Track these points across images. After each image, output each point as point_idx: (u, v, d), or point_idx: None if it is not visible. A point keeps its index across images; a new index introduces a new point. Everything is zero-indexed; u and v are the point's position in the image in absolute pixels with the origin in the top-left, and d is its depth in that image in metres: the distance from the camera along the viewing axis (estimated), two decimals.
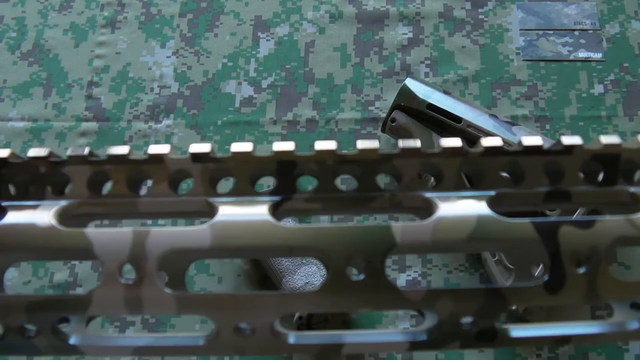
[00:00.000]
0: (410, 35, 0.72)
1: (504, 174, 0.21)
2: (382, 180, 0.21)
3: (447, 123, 0.60)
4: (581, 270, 0.19)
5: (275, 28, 0.74)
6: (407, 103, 0.60)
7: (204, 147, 0.20)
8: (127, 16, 0.75)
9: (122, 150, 0.21)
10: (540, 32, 0.71)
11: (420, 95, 0.60)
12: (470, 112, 0.60)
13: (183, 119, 0.69)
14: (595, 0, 0.72)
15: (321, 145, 0.21)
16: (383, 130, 0.63)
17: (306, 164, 0.21)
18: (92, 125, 0.69)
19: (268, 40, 0.73)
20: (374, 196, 0.21)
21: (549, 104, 0.67)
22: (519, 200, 0.21)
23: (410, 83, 0.61)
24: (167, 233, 0.19)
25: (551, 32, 0.71)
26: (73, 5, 0.77)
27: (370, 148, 0.21)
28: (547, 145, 0.20)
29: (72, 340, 0.20)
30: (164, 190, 0.21)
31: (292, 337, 0.19)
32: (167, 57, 0.73)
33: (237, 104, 0.70)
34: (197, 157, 0.20)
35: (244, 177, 0.21)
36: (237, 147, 0.21)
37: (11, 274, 0.62)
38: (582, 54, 0.69)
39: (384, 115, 0.65)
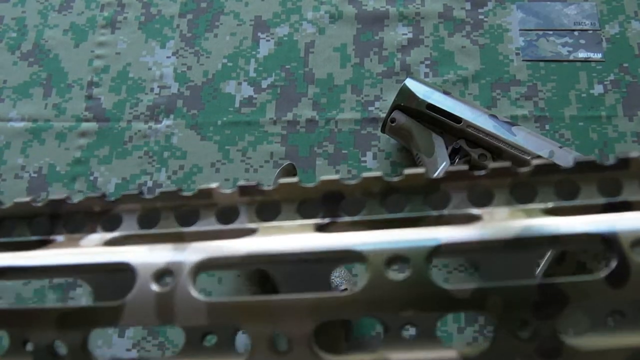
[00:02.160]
0: (410, 35, 0.72)
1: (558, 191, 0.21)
2: (431, 202, 0.21)
3: (447, 123, 0.60)
4: None
5: (275, 28, 0.74)
6: (407, 103, 0.60)
7: (250, 183, 0.21)
8: (127, 16, 0.75)
9: (172, 188, 0.21)
10: (540, 33, 0.71)
11: (420, 96, 0.60)
12: (470, 112, 0.60)
13: (183, 119, 0.69)
14: (595, 1, 0.72)
15: (368, 174, 0.21)
16: (383, 131, 0.63)
17: (352, 193, 0.21)
18: (92, 125, 0.69)
19: (268, 40, 0.73)
20: (422, 217, 0.20)
21: (548, 104, 0.67)
22: (576, 212, 0.20)
23: (410, 83, 0.61)
24: (206, 243, 0.19)
25: (551, 32, 0.71)
26: (73, 5, 0.77)
27: (416, 174, 0.20)
28: (582, 158, 0.20)
29: None
30: (212, 223, 0.21)
31: (327, 356, 0.18)
32: (167, 57, 0.73)
33: (237, 104, 0.70)
34: (244, 191, 0.21)
35: (291, 208, 0.21)
36: (284, 180, 0.21)
37: None
38: (581, 54, 0.69)
39: (383, 115, 0.65)
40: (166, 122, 0.69)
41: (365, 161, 0.66)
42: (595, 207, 0.20)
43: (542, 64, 0.69)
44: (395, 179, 0.21)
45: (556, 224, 0.19)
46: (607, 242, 0.18)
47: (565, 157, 0.58)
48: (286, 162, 0.63)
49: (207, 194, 0.21)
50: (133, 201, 0.21)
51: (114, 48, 0.74)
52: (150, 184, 0.66)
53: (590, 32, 0.71)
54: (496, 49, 0.71)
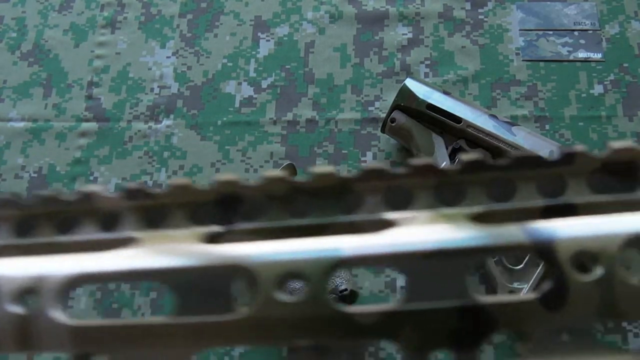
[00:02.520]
0: (410, 35, 0.72)
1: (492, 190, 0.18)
2: (343, 206, 0.18)
3: (447, 123, 0.60)
4: (588, 278, 0.15)
5: (275, 28, 0.74)
6: (407, 103, 0.60)
7: (137, 185, 0.18)
8: (127, 16, 0.75)
9: (50, 192, 0.19)
10: (540, 33, 0.71)
11: (420, 96, 0.60)
12: (470, 112, 0.60)
13: (183, 119, 0.69)
14: (595, 1, 0.72)
15: (270, 173, 0.18)
16: (383, 131, 0.63)
17: (252, 197, 0.18)
18: (92, 125, 0.69)
19: (268, 40, 0.73)
20: (329, 224, 0.18)
21: (548, 104, 0.67)
22: (510, 216, 0.17)
23: (410, 83, 0.61)
24: (78, 256, 0.17)
25: (551, 32, 0.71)
26: (73, 5, 0.77)
27: (326, 173, 0.18)
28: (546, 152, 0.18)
29: None
30: (92, 231, 0.18)
31: None
32: (167, 57, 0.73)
33: (237, 104, 0.70)
34: (130, 195, 0.18)
35: (183, 213, 0.18)
36: (175, 181, 0.18)
37: None
38: (581, 54, 0.69)
39: (383, 115, 0.65)
40: (166, 122, 0.69)
41: (365, 161, 0.66)
42: (533, 211, 0.17)
43: (542, 64, 0.69)
44: (302, 179, 0.18)
45: (482, 232, 0.16)
46: (543, 254, 0.16)
47: None
48: (286, 162, 0.63)
49: (88, 197, 0.18)
50: (9, 206, 0.19)
51: (114, 48, 0.74)
52: (150, 184, 0.66)
53: (590, 32, 0.71)
54: (496, 49, 0.71)
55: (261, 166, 0.66)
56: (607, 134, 0.65)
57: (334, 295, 0.54)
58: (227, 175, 0.18)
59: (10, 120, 0.70)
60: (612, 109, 0.67)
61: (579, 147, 0.17)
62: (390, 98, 0.64)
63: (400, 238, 0.16)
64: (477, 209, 0.17)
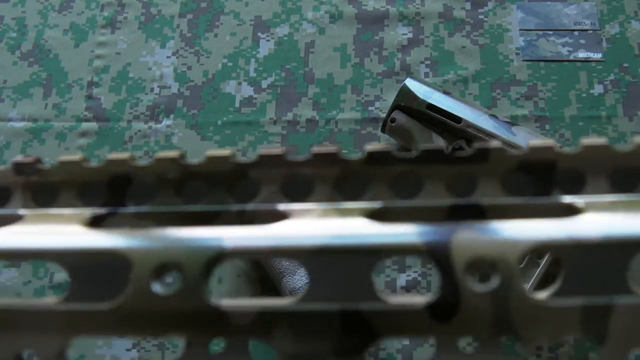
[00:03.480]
0: (410, 35, 0.72)
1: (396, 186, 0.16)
2: (237, 193, 0.17)
3: (447, 123, 0.60)
4: (482, 288, 0.14)
5: (275, 28, 0.74)
6: (407, 103, 0.60)
7: (27, 158, 0.17)
8: (127, 16, 0.75)
9: None
10: (540, 32, 0.71)
11: (420, 96, 0.60)
12: (470, 112, 0.60)
13: (183, 119, 0.69)
14: (595, 1, 0.72)
15: (162, 154, 0.17)
16: (383, 131, 0.63)
17: (142, 179, 0.17)
18: (92, 125, 0.69)
19: (268, 40, 0.73)
20: (219, 211, 0.17)
21: (548, 104, 0.67)
22: (412, 215, 0.16)
23: (410, 83, 0.61)
24: None
25: (551, 32, 0.71)
26: (73, 5, 0.77)
27: (220, 156, 0.17)
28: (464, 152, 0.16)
29: None
30: None
31: None
32: (167, 57, 0.73)
33: (237, 104, 0.70)
34: (19, 169, 0.17)
35: (71, 192, 0.17)
36: (65, 157, 0.17)
37: (11, 274, 0.62)
38: (582, 54, 0.69)
39: (384, 115, 0.65)
40: (166, 122, 0.69)
41: None
42: (437, 210, 0.16)
43: (542, 64, 0.69)
44: (195, 162, 0.17)
45: (372, 231, 0.15)
46: (436, 259, 0.14)
47: None
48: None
49: None
50: None
51: (114, 48, 0.74)
52: None
53: (591, 32, 0.71)
54: (496, 49, 0.71)
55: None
56: (607, 134, 0.65)
57: None
58: (119, 154, 0.17)
59: (10, 120, 0.70)
60: (612, 109, 0.67)
61: (494, 143, 0.16)
62: (390, 98, 0.64)
63: (287, 231, 0.15)
64: (375, 204, 0.16)
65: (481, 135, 0.59)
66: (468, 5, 0.73)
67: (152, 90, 0.71)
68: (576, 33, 0.71)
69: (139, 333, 0.15)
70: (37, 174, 0.17)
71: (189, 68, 0.72)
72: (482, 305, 0.14)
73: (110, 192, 0.17)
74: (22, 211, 0.17)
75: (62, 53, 0.74)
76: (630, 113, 0.66)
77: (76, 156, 0.17)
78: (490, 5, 0.73)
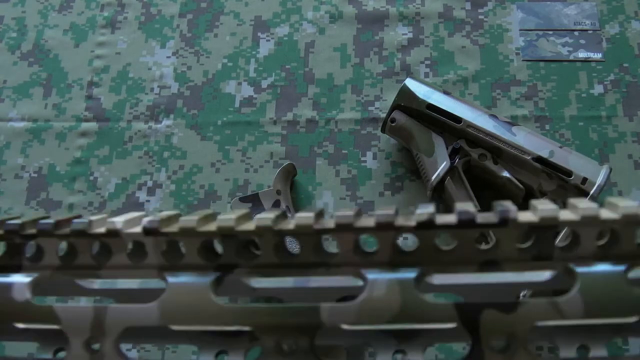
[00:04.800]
0: (410, 35, 0.72)
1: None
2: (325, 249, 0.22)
3: (447, 123, 0.60)
4: (500, 354, 0.19)
5: (275, 28, 0.74)
6: (407, 103, 0.60)
7: (153, 223, 0.22)
8: (127, 16, 0.75)
9: (83, 225, 0.22)
10: (540, 33, 0.71)
11: (420, 96, 0.60)
12: (470, 112, 0.60)
13: (183, 119, 0.69)
14: (595, 1, 0.72)
15: (261, 221, 0.21)
16: (383, 131, 0.63)
17: (246, 237, 0.22)
18: (92, 125, 0.69)
19: (268, 40, 0.73)
20: (311, 270, 0.21)
21: (548, 104, 0.67)
22: (452, 270, 0.21)
23: (410, 83, 0.61)
24: (122, 310, 0.20)
25: (551, 32, 0.71)
26: (73, 5, 0.77)
27: (305, 224, 0.21)
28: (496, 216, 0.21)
29: None
30: (123, 261, 0.22)
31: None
32: (167, 57, 0.73)
33: (237, 104, 0.70)
34: (148, 231, 0.22)
35: (193, 248, 0.22)
36: (185, 221, 0.22)
37: None
38: (582, 54, 0.69)
39: (383, 115, 0.65)
40: (166, 122, 0.69)
41: (365, 161, 0.66)
42: (471, 267, 0.21)
43: (542, 64, 0.69)
44: (288, 227, 0.21)
45: (424, 304, 0.20)
46: (469, 329, 0.20)
47: (565, 157, 0.58)
48: (286, 162, 0.63)
49: (115, 232, 0.22)
50: (49, 235, 0.22)
51: (114, 48, 0.74)
52: (150, 184, 0.66)
53: (590, 32, 0.71)
54: (496, 49, 0.71)
55: (261, 166, 0.66)
56: (607, 134, 0.65)
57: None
58: (227, 217, 0.22)
59: (10, 120, 0.70)
60: (612, 109, 0.66)
61: (512, 210, 0.21)
62: (390, 98, 0.64)
63: (366, 306, 0.20)
64: (421, 270, 0.21)
65: (481, 135, 0.59)
66: (468, 5, 0.73)
67: (152, 90, 0.71)
68: (576, 33, 0.71)
69: None
70: (163, 236, 0.22)
71: (189, 68, 0.72)
72: None
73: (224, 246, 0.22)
74: (163, 274, 0.21)
75: (62, 53, 0.74)
76: (630, 113, 0.66)
77: (194, 217, 0.21)
78: (490, 5, 0.73)
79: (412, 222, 0.21)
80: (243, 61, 0.72)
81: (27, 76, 0.73)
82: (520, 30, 0.71)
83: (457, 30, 0.72)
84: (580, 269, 0.20)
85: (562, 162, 0.57)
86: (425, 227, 0.21)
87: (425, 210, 0.21)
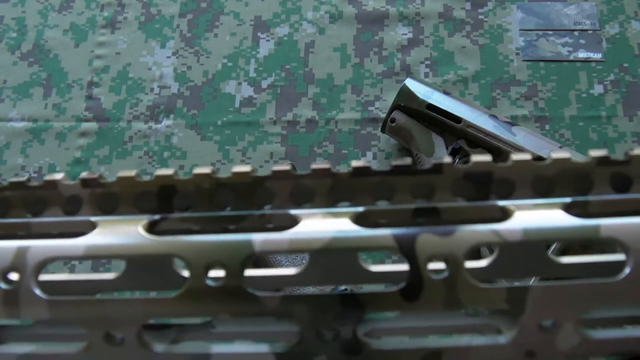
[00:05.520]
0: (410, 35, 0.72)
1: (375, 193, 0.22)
2: (258, 200, 0.22)
3: (447, 123, 0.60)
4: (438, 276, 0.19)
5: (275, 28, 0.74)
6: (407, 103, 0.60)
7: (92, 174, 0.22)
8: (127, 16, 0.75)
9: (20, 178, 0.23)
10: (540, 33, 0.71)
11: (420, 96, 0.60)
12: (470, 112, 0.60)
13: (183, 119, 0.69)
14: (595, 1, 0.72)
15: (198, 170, 0.22)
16: (383, 131, 0.63)
17: (184, 188, 0.22)
18: (92, 125, 0.69)
19: (268, 40, 0.73)
20: (246, 215, 0.22)
21: (548, 104, 0.67)
22: (387, 216, 0.21)
23: (410, 83, 0.61)
24: (46, 245, 0.21)
25: (551, 32, 0.71)
26: (73, 5, 0.77)
27: (243, 172, 0.22)
28: (447, 160, 0.21)
29: None
30: (57, 214, 0.23)
31: (160, 347, 0.21)
32: (167, 57, 0.73)
33: (237, 104, 0.70)
34: (85, 183, 0.22)
35: (129, 200, 0.22)
36: (122, 173, 0.22)
37: None
38: (582, 54, 0.69)
39: (383, 115, 0.65)
40: (166, 122, 0.69)
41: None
42: (406, 212, 0.21)
43: (542, 64, 0.69)
44: (224, 175, 0.22)
45: (359, 233, 0.20)
46: (407, 256, 0.19)
47: None
48: (286, 162, 0.63)
49: (52, 184, 0.22)
50: None
51: (114, 48, 0.74)
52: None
53: (590, 32, 0.71)
54: (496, 49, 0.71)
55: (261, 166, 0.66)
56: (607, 133, 0.65)
57: None
58: (166, 170, 0.22)
59: (10, 120, 0.70)
60: (612, 109, 0.66)
61: (446, 159, 0.21)
62: (390, 98, 0.64)
63: (298, 235, 0.20)
64: (359, 209, 0.21)
65: (481, 135, 0.59)
66: (468, 5, 0.73)
67: (152, 90, 0.71)
68: (576, 33, 0.71)
69: (196, 314, 0.20)
70: (100, 187, 0.22)
71: (189, 68, 0.72)
72: (437, 289, 0.19)
73: (159, 200, 0.22)
74: (93, 218, 0.22)
75: (62, 53, 0.74)
76: (630, 113, 0.66)
77: (132, 172, 0.22)
78: (490, 5, 0.73)
79: (348, 169, 0.22)
80: (243, 61, 0.72)
81: (27, 76, 0.73)
82: (520, 30, 0.71)
83: (457, 30, 0.72)
84: (514, 202, 0.21)
85: None
86: (361, 173, 0.22)
87: (361, 162, 0.22)
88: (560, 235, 0.19)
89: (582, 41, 0.70)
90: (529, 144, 0.58)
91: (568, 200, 0.20)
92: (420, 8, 0.73)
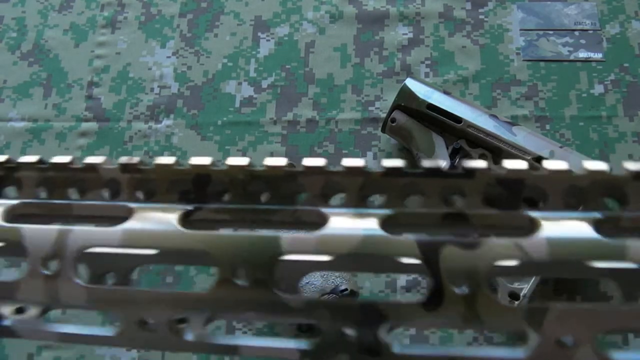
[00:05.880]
0: (411, 35, 0.72)
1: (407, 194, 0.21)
2: (290, 194, 0.23)
3: (447, 123, 0.60)
4: (460, 290, 0.19)
5: (275, 28, 0.74)
6: (407, 103, 0.60)
7: (131, 159, 0.23)
8: (127, 16, 0.75)
9: (64, 159, 0.23)
10: (541, 32, 0.71)
11: (421, 96, 0.60)
12: (470, 112, 0.60)
13: (183, 119, 0.69)
14: (595, 1, 0.72)
15: (233, 160, 0.23)
16: (383, 131, 0.63)
17: (219, 177, 0.23)
18: (92, 125, 0.69)
19: (268, 40, 0.73)
20: (278, 210, 0.22)
21: (549, 104, 0.67)
22: (415, 220, 0.21)
23: (410, 83, 0.61)
24: (85, 231, 0.21)
25: (551, 32, 0.71)
26: (73, 5, 0.77)
27: (276, 165, 0.22)
28: (472, 165, 0.20)
29: (5, 322, 0.22)
30: (97, 198, 0.23)
31: (190, 335, 0.21)
32: (167, 57, 0.73)
33: (237, 104, 0.70)
34: (124, 168, 0.23)
35: (164, 187, 0.22)
36: (160, 160, 0.22)
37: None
38: (582, 54, 0.69)
39: (384, 115, 0.65)
40: (166, 122, 0.69)
41: None
42: (435, 217, 0.21)
43: (542, 64, 0.69)
44: (259, 168, 0.23)
45: (385, 239, 0.20)
46: (432, 273, 0.19)
47: (566, 157, 0.58)
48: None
49: (92, 167, 0.23)
50: (30, 169, 0.23)
51: (114, 48, 0.74)
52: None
53: (591, 32, 0.71)
54: (496, 49, 0.71)
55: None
56: (607, 134, 0.65)
57: (335, 295, 0.54)
58: (201, 158, 0.22)
59: (10, 120, 0.70)
60: (612, 109, 0.66)
61: (481, 163, 0.20)
62: (390, 98, 0.64)
63: (327, 237, 0.20)
64: (387, 212, 0.21)
65: (481, 135, 0.59)
66: (468, 5, 0.73)
67: (152, 90, 0.71)
68: (576, 33, 0.71)
69: (225, 312, 0.20)
70: (138, 173, 0.22)
71: (189, 68, 0.72)
72: (457, 303, 0.19)
73: (195, 188, 0.22)
74: (131, 204, 0.22)
75: (62, 53, 0.74)
76: (631, 113, 0.66)
77: (170, 159, 0.22)
78: (490, 5, 0.73)
79: (380, 168, 0.21)
80: (243, 61, 0.72)
81: (27, 76, 0.73)
82: (521, 30, 0.71)
83: (458, 30, 0.72)
84: (543, 214, 0.20)
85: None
86: (393, 174, 0.21)
87: (394, 162, 0.21)
88: (585, 255, 0.19)
89: (583, 41, 0.70)
90: (529, 144, 0.58)
91: (599, 215, 0.19)
92: (421, 8, 0.73)
